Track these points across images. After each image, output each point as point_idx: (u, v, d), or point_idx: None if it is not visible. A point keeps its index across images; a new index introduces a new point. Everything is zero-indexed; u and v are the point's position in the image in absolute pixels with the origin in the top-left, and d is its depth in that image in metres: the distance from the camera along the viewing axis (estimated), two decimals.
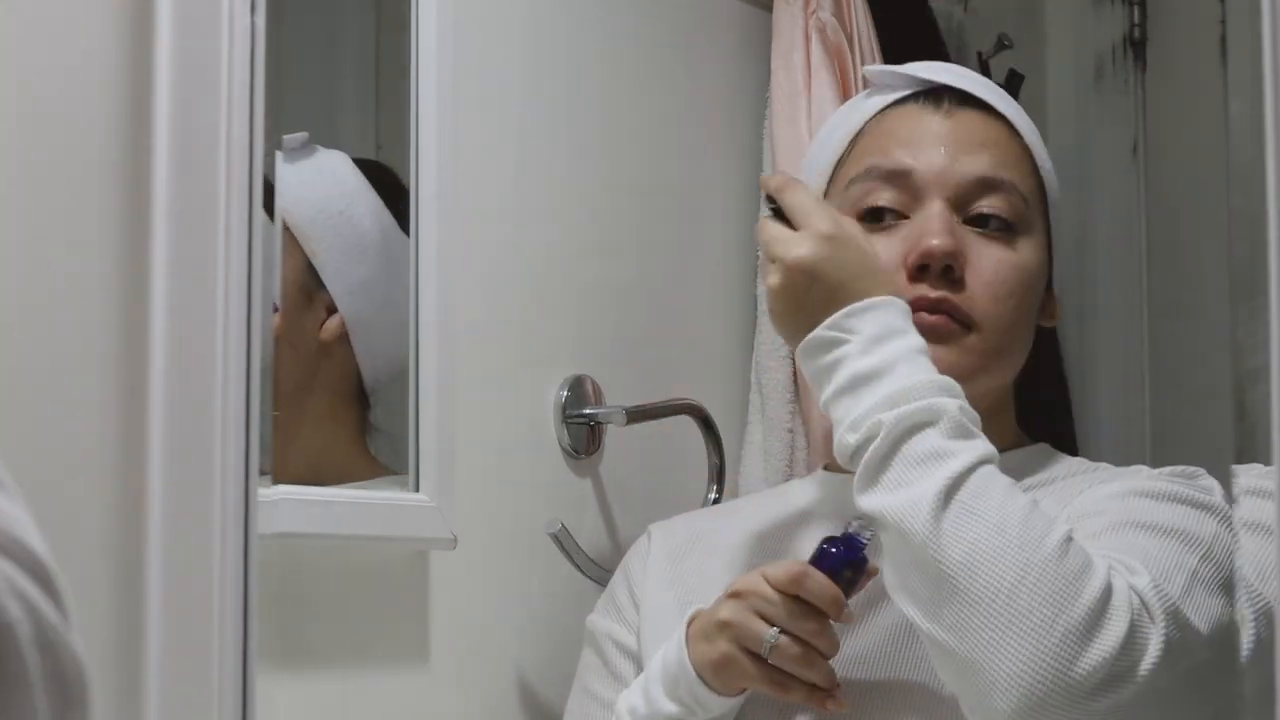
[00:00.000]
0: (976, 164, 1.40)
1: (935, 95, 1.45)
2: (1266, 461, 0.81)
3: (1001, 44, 2.23)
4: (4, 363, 1.04)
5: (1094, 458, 1.53)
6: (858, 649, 1.32)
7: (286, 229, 1.42)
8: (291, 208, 1.42)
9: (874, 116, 1.46)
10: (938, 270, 1.37)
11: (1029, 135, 1.45)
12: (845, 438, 1.24)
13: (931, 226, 1.38)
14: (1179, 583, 1.20)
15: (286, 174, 1.42)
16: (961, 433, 1.22)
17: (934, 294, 1.37)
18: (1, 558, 0.52)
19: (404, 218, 1.47)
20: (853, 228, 1.32)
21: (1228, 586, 1.22)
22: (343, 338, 1.43)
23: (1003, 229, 1.40)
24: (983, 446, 1.22)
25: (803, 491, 1.48)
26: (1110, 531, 1.25)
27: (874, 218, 1.41)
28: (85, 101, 1.10)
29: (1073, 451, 1.56)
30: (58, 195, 1.08)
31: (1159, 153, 2.45)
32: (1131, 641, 1.15)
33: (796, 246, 1.29)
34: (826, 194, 1.45)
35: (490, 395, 1.56)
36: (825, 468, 1.50)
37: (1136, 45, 2.47)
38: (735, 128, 1.87)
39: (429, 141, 1.47)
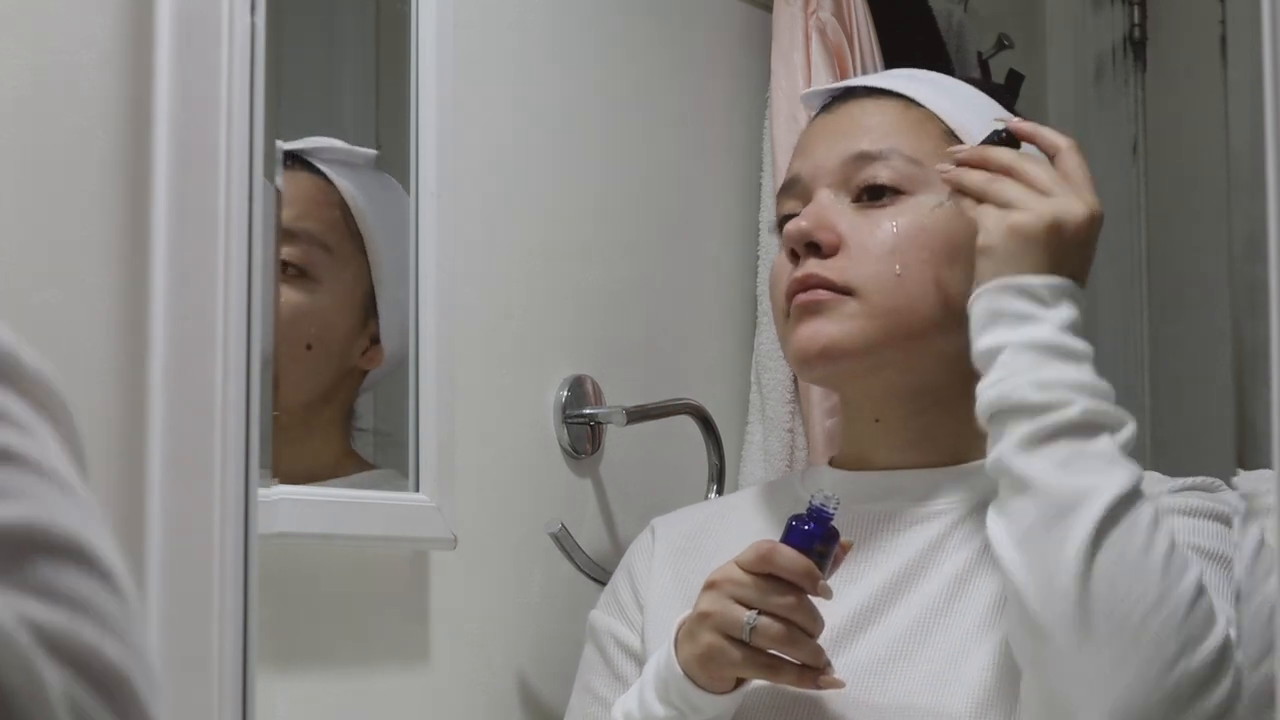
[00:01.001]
0: (852, 144, 1.40)
1: (831, 100, 1.47)
2: (1267, 464, 0.81)
3: (1001, 44, 2.24)
4: None
5: None
6: (860, 660, 1.31)
7: (363, 246, 1.44)
8: (373, 226, 1.44)
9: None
10: (801, 250, 1.37)
11: (938, 102, 1.42)
12: (1026, 391, 1.21)
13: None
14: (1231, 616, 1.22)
15: (363, 187, 1.44)
16: (1130, 451, 1.21)
17: (799, 272, 1.37)
18: (64, 667, 0.51)
19: None
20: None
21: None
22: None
23: (885, 196, 1.38)
24: (1140, 469, 1.21)
25: (808, 486, 1.47)
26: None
27: (784, 224, 1.43)
28: (85, 101, 1.10)
29: None
30: (58, 195, 1.08)
31: (1159, 153, 2.45)
32: (1232, 696, 1.16)
33: (1098, 204, 1.29)
34: None
35: (490, 395, 1.56)
36: (830, 463, 1.49)
37: (1136, 45, 2.47)
38: (735, 128, 1.87)
39: (429, 141, 1.47)
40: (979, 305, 1.27)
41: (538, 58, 1.65)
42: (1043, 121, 1.49)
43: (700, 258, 1.83)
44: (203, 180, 1.11)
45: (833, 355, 1.35)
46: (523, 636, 1.58)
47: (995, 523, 1.23)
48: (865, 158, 1.38)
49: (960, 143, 1.40)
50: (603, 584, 1.57)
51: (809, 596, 1.25)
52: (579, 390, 1.64)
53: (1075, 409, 1.20)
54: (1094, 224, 1.28)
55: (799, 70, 1.81)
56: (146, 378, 1.08)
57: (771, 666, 1.26)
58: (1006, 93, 1.54)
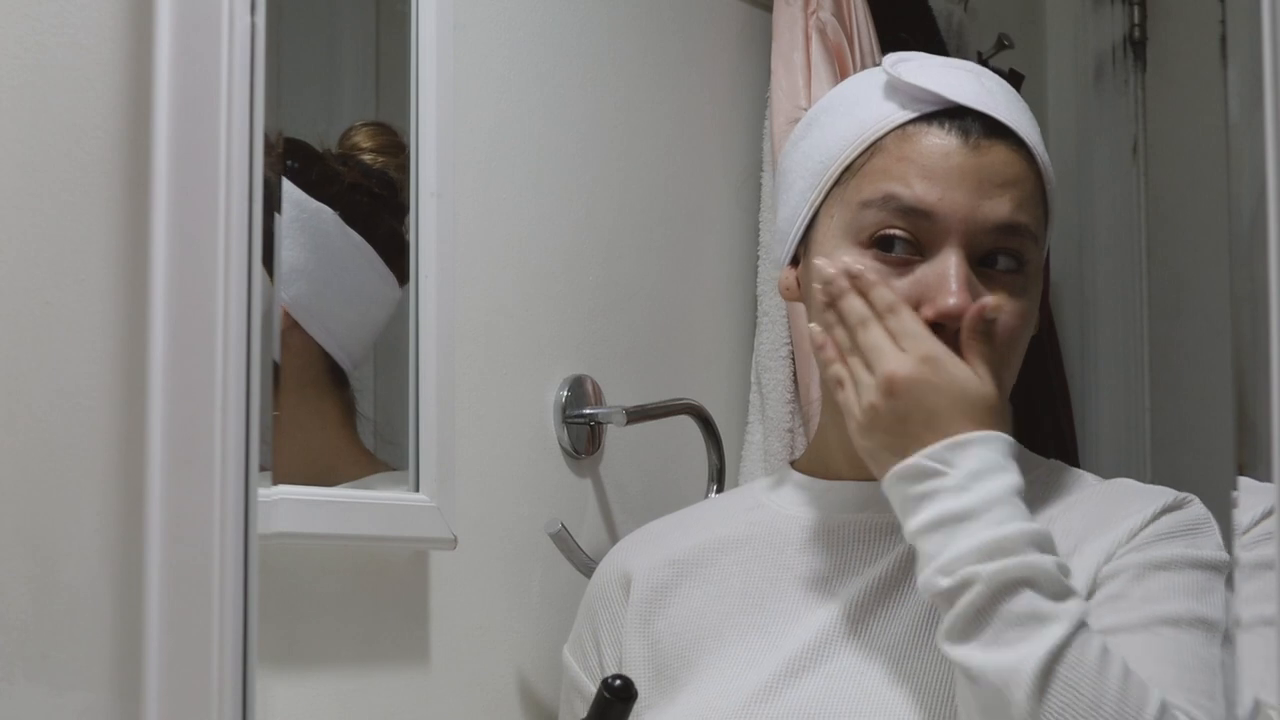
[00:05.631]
0: (998, 208, 1.34)
1: (963, 120, 1.36)
2: (1267, 465, 0.81)
3: (1001, 44, 2.24)
4: (4, 363, 1.04)
5: (1094, 459, 1.52)
6: (844, 668, 1.30)
7: None
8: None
9: (895, 131, 1.37)
10: (952, 329, 1.31)
11: (1042, 155, 1.39)
12: (936, 580, 1.20)
13: (946, 285, 1.31)
14: (1217, 690, 1.20)
15: None
16: (1059, 592, 1.19)
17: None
18: None
19: (316, 186, 1.43)
20: (947, 355, 1.27)
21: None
22: (292, 326, 1.41)
23: (1012, 273, 1.35)
24: (1076, 608, 1.19)
25: (782, 500, 1.44)
26: (1142, 631, 1.24)
27: (884, 246, 1.34)
28: (85, 101, 1.10)
29: (1073, 456, 1.55)
30: (58, 195, 1.08)
31: (1159, 153, 2.45)
32: None
33: (897, 361, 1.25)
34: (829, 194, 1.38)
35: (490, 395, 1.56)
36: (793, 465, 1.46)
37: (1136, 45, 2.47)
38: (735, 128, 1.87)
39: (429, 141, 1.47)
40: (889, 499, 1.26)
41: (537, 58, 1.65)
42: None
43: (700, 258, 1.83)
44: (202, 180, 1.11)
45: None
46: (522, 636, 1.58)
47: (960, 708, 1.22)
48: (1007, 230, 1.34)
49: (1049, 209, 1.38)
50: None
51: None
52: (579, 390, 1.64)
53: (979, 583, 1.18)
54: (921, 373, 1.25)
55: (799, 70, 1.81)
56: (146, 378, 1.08)
57: None
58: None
